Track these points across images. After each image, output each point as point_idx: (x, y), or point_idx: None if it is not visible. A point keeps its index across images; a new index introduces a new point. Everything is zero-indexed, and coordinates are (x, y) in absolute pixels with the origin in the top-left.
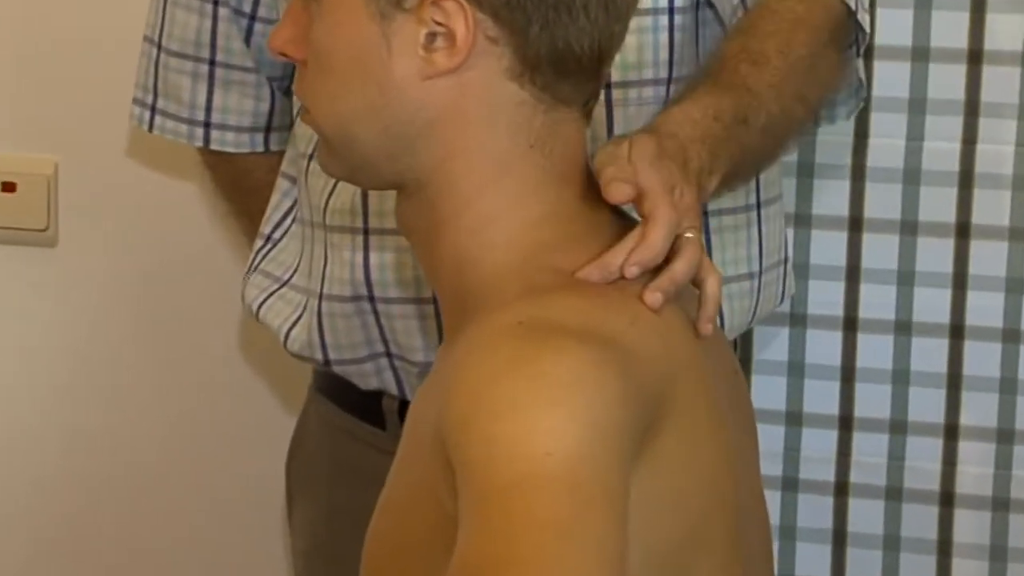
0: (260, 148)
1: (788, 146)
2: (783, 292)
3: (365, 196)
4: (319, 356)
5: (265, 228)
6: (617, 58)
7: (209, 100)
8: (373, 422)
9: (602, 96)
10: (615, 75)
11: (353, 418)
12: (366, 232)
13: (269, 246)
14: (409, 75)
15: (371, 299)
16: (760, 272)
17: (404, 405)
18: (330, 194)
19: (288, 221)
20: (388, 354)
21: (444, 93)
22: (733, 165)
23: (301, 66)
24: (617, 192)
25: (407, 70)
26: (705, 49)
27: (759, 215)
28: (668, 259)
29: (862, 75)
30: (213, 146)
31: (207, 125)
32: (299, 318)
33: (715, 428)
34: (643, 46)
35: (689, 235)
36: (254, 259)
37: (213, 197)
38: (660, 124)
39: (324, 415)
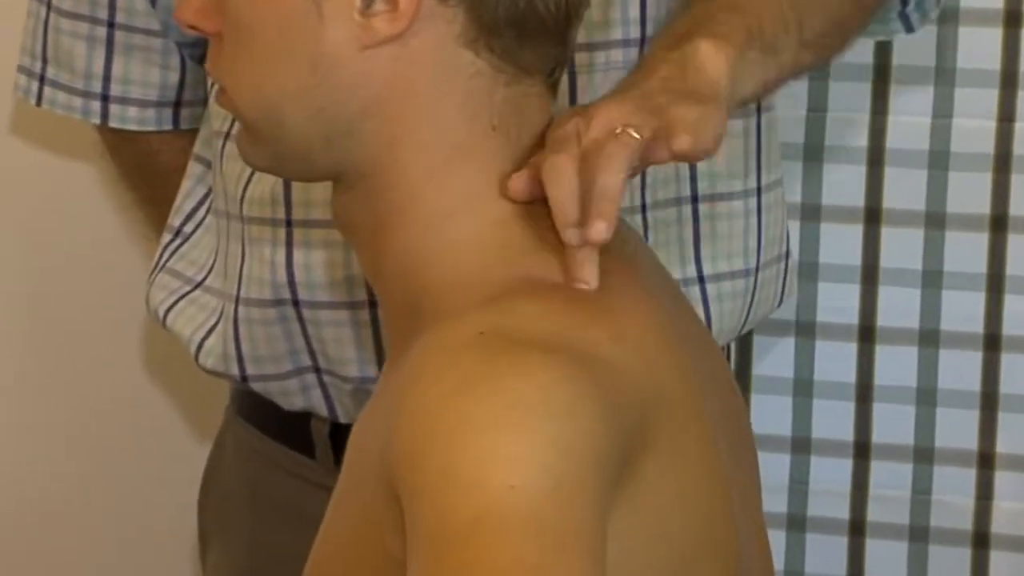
0: (168, 126)
1: (836, 27)
2: (782, 293)
3: (288, 184)
4: (235, 371)
5: (174, 220)
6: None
7: (108, 69)
8: (300, 448)
9: None
10: (579, 36)
11: (277, 444)
12: (289, 224)
13: (179, 241)
14: (345, 45)
15: (295, 303)
16: (757, 268)
17: (336, 428)
18: (248, 180)
19: (202, 212)
20: (316, 368)
21: (387, 65)
22: (747, 29)
23: (216, 40)
24: (512, 184)
25: (342, 39)
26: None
27: (759, 202)
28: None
29: None
30: (113, 123)
31: (106, 98)
32: (214, 326)
33: (708, 458)
34: (610, 2)
35: (616, 132)
36: (161, 256)
37: (114, 183)
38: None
39: (243, 441)
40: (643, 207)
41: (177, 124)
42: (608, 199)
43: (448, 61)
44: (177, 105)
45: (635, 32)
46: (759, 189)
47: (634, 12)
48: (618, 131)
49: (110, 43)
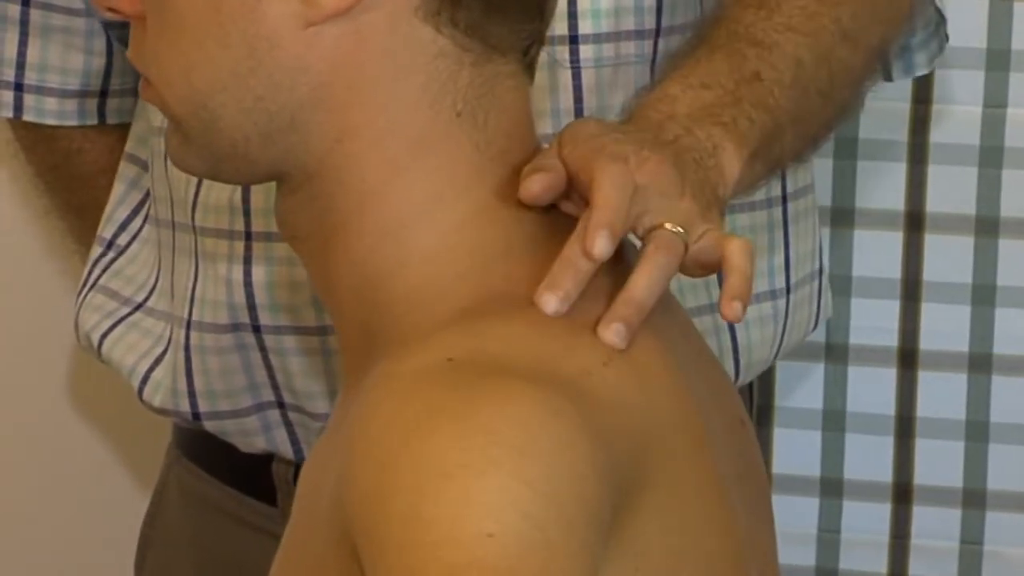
0: (93, 120)
1: (851, 100)
2: (817, 315)
3: (247, 188)
4: (185, 407)
5: (105, 231)
6: (586, 2)
7: (22, 54)
8: (258, 495)
9: (567, 55)
10: (585, 26)
11: (231, 491)
12: (248, 237)
13: (112, 255)
14: (285, 23)
15: (256, 329)
16: (788, 290)
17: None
18: (199, 184)
19: (138, 221)
20: (280, 404)
21: (334, 45)
22: (762, 135)
23: (137, 24)
24: (530, 186)
25: (282, 16)
26: None
27: (785, 212)
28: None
29: (940, 4)
30: (27, 116)
31: (19, 87)
32: (163, 355)
33: (712, 497)
34: None
35: (667, 227)
36: (90, 273)
37: (29, 188)
38: (631, 109)
39: (189, 487)
40: None
41: (103, 118)
42: (639, 310)
43: (405, 39)
44: (103, 95)
45: (650, 22)
46: (784, 197)
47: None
48: (665, 225)
49: (24, 23)
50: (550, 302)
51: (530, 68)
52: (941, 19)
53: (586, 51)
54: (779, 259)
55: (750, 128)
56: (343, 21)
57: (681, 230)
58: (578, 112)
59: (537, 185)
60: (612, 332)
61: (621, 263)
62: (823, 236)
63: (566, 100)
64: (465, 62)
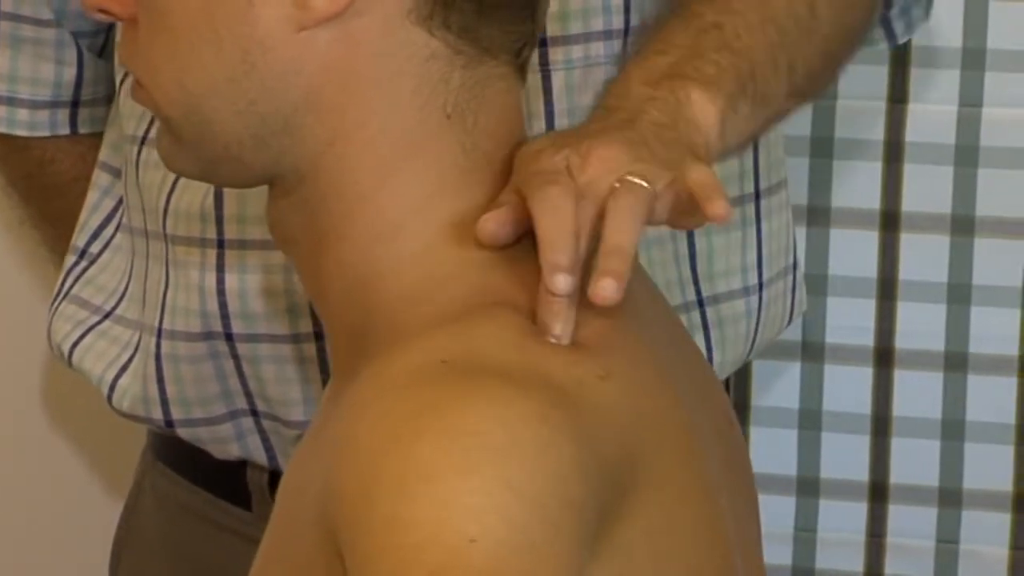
0: (65, 130)
1: (839, 35)
2: (791, 311)
3: (219, 195)
4: (157, 415)
5: (79, 239)
6: (553, 4)
7: None
8: (233, 500)
9: (536, 58)
10: (553, 28)
11: (206, 495)
12: (221, 245)
13: (85, 263)
14: (278, 27)
15: (228, 337)
16: (760, 286)
17: (276, 478)
18: (171, 191)
19: (110, 229)
20: (253, 411)
21: (327, 49)
22: (736, 76)
23: (129, 26)
24: (483, 226)
25: (276, 20)
26: None
27: (758, 208)
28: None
29: None
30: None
31: None
32: (129, 362)
33: (702, 500)
34: None
35: (626, 178)
36: (64, 282)
37: (2, 197)
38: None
39: (164, 492)
40: None
41: (75, 128)
42: (621, 256)
43: (397, 42)
44: (75, 105)
45: (618, 22)
46: (757, 194)
47: None
48: (625, 178)
49: None
50: (554, 333)
51: (522, 70)
52: None
53: (555, 54)
54: (751, 256)
55: (718, 72)
56: (335, 25)
57: (643, 182)
58: (548, 115)
59: (491, 224)
60: (602, 288)
61: None
62: (800, 236)
63: (536, 103)
64: (457, 64)
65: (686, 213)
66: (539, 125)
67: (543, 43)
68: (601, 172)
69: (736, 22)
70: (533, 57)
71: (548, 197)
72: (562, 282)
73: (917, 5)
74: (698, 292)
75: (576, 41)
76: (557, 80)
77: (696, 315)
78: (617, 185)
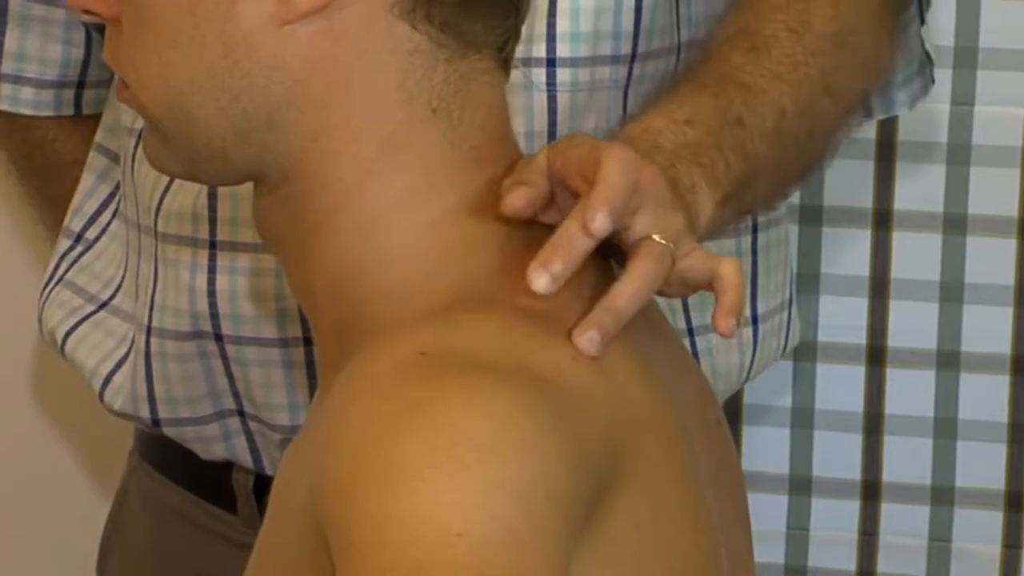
0: (69, 111)
1: (826, 152)
2: (785, 344)
3: (213, 196)
4: (145, 413)
5: (73, 223)
6: (565, 25)
7: (0, 43)
8: (219, 502)
9: (544, 78)
10: (563, 49)
11: (192, 496)
12: (213, 246)
13: (80, 248)
14: (261, 23)
15: (217, 337)
16: (756, 319)
17: (261, 481)
18: (165, 190)
19: (107, 215)
20: (240, 412)
21: (310, 44)
22: (736, 181)
23: (113, 26)
24: (513, 200)
25: (258, 16)
26: (690, 17)
27: (755, 241)
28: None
29: (929, 46)
30: (3, 106)
31: None
32: (124, 358)
33: (686, 501)
34: (601, 10)
35: (656, 238)
36: (57, 266)
37: (2, 176)
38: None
39: (150, 492)
40: None
41: (79, 109)
42: (617, 319)
43: (380, 36)
44: (80, 86)
45: (626, 48)
46: (754, 227)
47: (627, 24)
48: (658, 239)
49: (2, 13)
50: (540, 279)
51: (506, 64)
52: (927, 60)
53: (563, 74)
54: (746, 291)
55: (726, 173)
56: (318, 19)
57: (670, 244)
58: (551, 136)
59: (521, 200)
60: (586, 340)
61: (601, 271)
62: (792, 234)
63: (540, 123)
64: (440, 59)
65: (686, 285)
66: (542, 143)
67: (551, 63)
68: (652, 188)
69: (755, 124)
70: (541, 76)
71: (626, 158)
72: (601, 218)
73: (907, 87)
74: (688, 320)
75: (584, 64)
76: (563, 100)
77: (686, 343)
78: (657, 240)
